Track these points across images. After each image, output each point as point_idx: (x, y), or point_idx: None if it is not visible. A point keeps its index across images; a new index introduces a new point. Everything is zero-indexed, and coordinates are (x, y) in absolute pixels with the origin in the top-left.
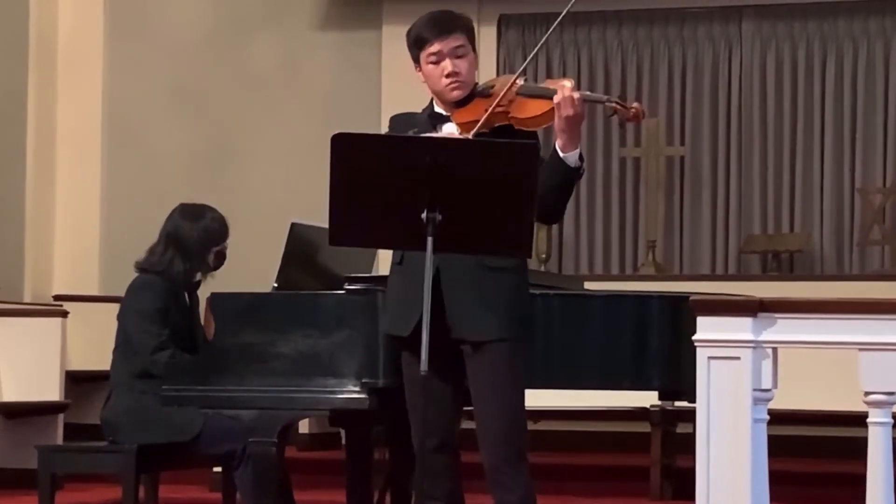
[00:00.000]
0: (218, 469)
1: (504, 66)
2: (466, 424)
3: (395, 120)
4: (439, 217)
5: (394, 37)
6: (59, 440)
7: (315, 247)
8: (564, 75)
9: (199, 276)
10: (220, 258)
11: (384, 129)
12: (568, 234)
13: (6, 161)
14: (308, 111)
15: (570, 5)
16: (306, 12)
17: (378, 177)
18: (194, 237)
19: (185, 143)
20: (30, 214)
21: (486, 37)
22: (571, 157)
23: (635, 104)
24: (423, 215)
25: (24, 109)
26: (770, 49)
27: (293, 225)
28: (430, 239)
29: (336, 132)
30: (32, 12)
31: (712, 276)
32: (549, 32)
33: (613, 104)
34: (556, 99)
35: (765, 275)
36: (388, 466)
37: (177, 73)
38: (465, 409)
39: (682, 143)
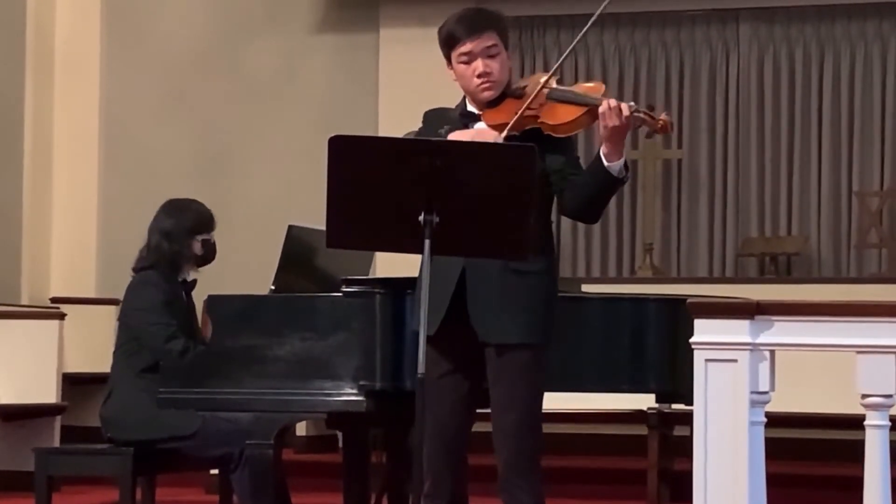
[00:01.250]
0: (215, 472)
1: None
2: (481, 427)
3: (429, 115)
4: (436, 219)
5: (391, 40)
6: (56, 442)
7: (312, 249)
8: (561, 77)
9: (187, 268)
10: (208, 248)
11: (381, 132)
12: (565, 236)
13: (3, 164)
14: (305, 115)
15: (603, 6)
16: (303, 16)
17: (375, 179)
18: (176, 223)
19: (182, 147)
20: (27, 217)
21: None
22: (616, 167)
23: (663, 115)
24: (420, 218)
25: (21, 113)
26: (767, 52)
27: (290, 227)
28: (427, 241)
29: (333, 135)
30: (30, 17)
31: (710, 279)
32: (584, 31)
33: (642, 114)
34: (601, 108)
35: (762, 278)
36: (386, 469)
37: (173, 76)
38: (480, 411)
39: (680, 147)
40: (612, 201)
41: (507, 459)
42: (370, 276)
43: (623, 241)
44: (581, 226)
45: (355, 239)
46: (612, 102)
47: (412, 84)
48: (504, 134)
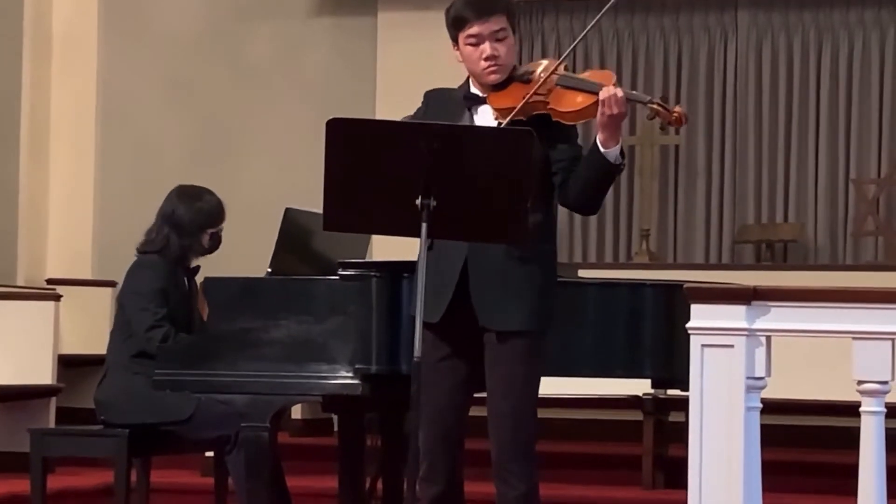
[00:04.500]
0: (210, 454)
1: None
2: (475, 412)
3: (430, 95)
4: (434, 203)
5: (389, 24)
6: (52, 424)
7: (309, 232)
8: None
9: (193, 257)
10: (215, 240)
11: (379, 116)
12: (562, 222)
13: (0, 146)
14: (303, 99)
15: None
16: (300, 0)
17: (373, 162)
18: (190, 217)
19: (180, 131)
20: (23, 198)
21: None
22: (612, 153)
23: (678, 108)
24: (418, 201)
25: (18, 96)
26: (765, 39)
27: (287, 210)
28: (424, 225)
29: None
30: (27, 2)
31: (706, 266)
32: (597, 18)
33: (656, 106)
34: (601, 96)
35: (758, 264)
36: (381, 453)
37: (171, 61)
38: (477, 395)
39: (677, 133)
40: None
41: (502, 445)
42: (367, 260)
43: (620, 227)
44: None
45: (352, 222)
46: (611, 89)
47: (410, 68)
48: (510, 118)
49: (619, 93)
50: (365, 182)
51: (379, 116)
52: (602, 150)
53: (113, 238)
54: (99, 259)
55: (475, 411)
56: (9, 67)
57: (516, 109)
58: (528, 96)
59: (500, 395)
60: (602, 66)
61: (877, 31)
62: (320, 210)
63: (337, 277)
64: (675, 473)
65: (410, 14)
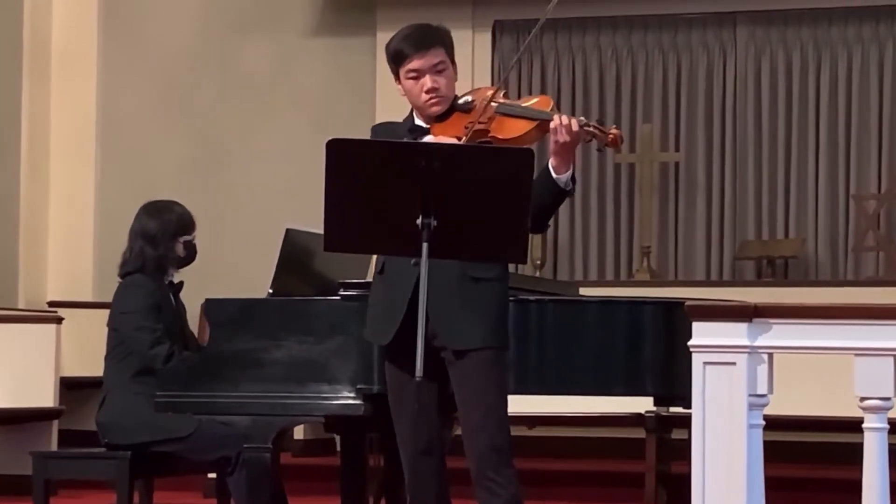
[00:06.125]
0: (212, 475)
1: (499, 72)
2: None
3: (377, 129)
4: (434, 223)
5: None
6: (54, 446)
7: (310, 253)
8: (559, 82)
9: (171, 270)
10: (190, 249)
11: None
12: (562, 239)
13: (0, 166)
14: (301, 118)
15: (549, 8)
16: (299, 19)
17: (373, 182)
18: (160, 227)
19: (179, 150)
20: (24, 220)
21: (481, 43)
22: (563, 179)
23: (614, 129)
24: (418, 221)
25: (17, 115)
26: (764, 55)
27: (288, 231)
28: (425, 245)
29: (330, 138)
30: (26, 17)
31: (707, 283)
32: (528, 41)
33: (591, 128)
34: (552, 125)
35: (759, 281)
36: (383, 473)
37: (170, 79)
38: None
39: (677, 149)
40: (609, 204)
41: (480, 455)
42: (368, 280)
43: (620, 244)
44: (578, 229)
45: (353, 242)
46: (564, 118)
47: None
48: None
49: (568, 120)
50: (365, 202)
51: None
52: (553, 175)
53: (113, 259)
54: (99, 280)
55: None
56: (8, 87)
57: (463, 140)
58: (471, 126)
59: (470, 409)
60: (601, 84)
61: (875, 47)
62: (320, 230)
63: (338, 297)
64: (677, 491)
65: None
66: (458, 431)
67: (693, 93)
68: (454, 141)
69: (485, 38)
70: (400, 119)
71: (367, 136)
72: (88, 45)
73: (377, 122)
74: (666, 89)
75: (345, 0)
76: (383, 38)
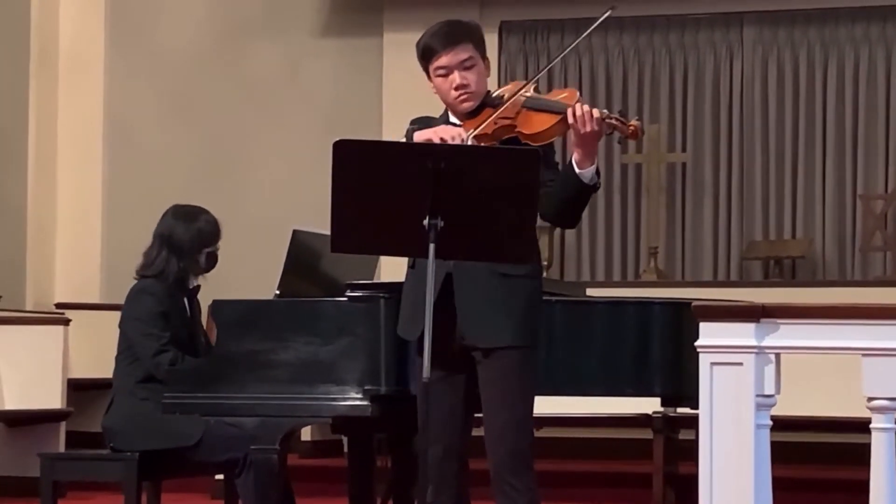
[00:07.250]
0: (220, 477)
1: (506, 72)
2: (477, 431)
3: (415, 122)
4: (441, 223)
5: (395, 44)
6: (62, 448)
7: (317, 254)
8: (566, 82)
9: (192, 278)
10: (212, 260)
11: (385, 136)
12: (570, 240)
13: (8, 169)
14: (309, 118)
15: (604, 16)
16: (307, 19)
17: (380, 183)
18: (187, 238)
19: (187, 151)
20: (31, 222)
21: (488, 43)
22: (587, 173)
23: (634, 121)
24: (425, 222)
25: (25, 116)
26: (771, 55)
27: (295, 232)
28: (431, 245)
29: (337, 139)
30: (34, 19)
31: (714, 283)
32: (574, 45)
33: (613, 120)
34: (571, 114)
35: (767, 281)
36: (391, 474)
37: (178, 80)
38: (477, 415)
39: (684, 150)
40: (617, 204)
41: (500, 459)
42: (375, 281)
43: (627, 245)
44: (586, 229)
45: (360, 243)
46: (583, 108)
47: (416, 88)
48: (472, 133)
49: (589, 109)
50: (372, 203)
51: (385, 137)
52: (577, 170)
53: (121, 260)
54: (107, 282)
55: (478, 431)
56: (16, 90)
57: (488, 134)
58: (492, 118)
59: (495, 411)
60: (609, 85)
61: (882, 47)
62: (327, 231)
63: (345, 299)
64: (685, 491)
65: (416, 35)
66: (481, 432)
67: (700, 93)
68: (483, 133)
69: (491, 39)
70: (412, 116)
71: (375, 136)
72: (96, 47)
73: (385, 121)
74: (673, 90)
75: (352, 1)
76: (391, 38)
